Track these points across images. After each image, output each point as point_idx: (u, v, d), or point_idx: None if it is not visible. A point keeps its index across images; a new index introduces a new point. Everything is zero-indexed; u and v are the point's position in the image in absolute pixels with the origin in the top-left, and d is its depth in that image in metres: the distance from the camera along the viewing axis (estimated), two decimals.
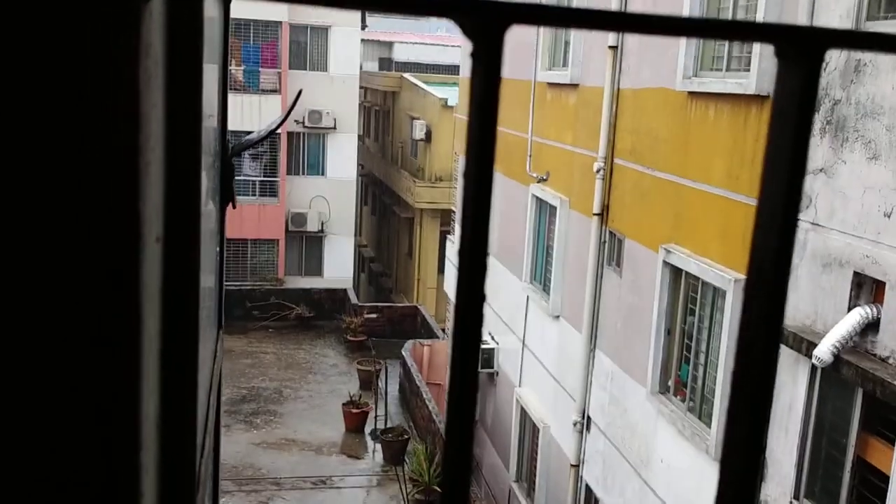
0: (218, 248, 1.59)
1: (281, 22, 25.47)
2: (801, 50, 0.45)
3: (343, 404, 17.89)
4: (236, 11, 26.15)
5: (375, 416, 17.55)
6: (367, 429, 17.67)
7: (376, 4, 0.41)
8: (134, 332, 0.51)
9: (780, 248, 0.47)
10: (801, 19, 6.93)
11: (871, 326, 6.15)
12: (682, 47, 8.79)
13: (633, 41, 10.20)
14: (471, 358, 0.43)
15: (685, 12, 8.73)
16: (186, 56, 0.66)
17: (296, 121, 25.87)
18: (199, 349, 0.93)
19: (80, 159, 0.48)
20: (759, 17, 7.48)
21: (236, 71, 24.97)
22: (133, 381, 0.52)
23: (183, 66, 0.65)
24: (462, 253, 0.40)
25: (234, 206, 1.71)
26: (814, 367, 6.62)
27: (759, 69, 7.48)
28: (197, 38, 0.80)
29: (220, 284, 1.74)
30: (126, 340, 0.51)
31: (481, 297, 0.41)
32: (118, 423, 0.53)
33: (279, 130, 25.31)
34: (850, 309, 6.30)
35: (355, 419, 17.64)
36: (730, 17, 8.26)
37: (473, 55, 0.40)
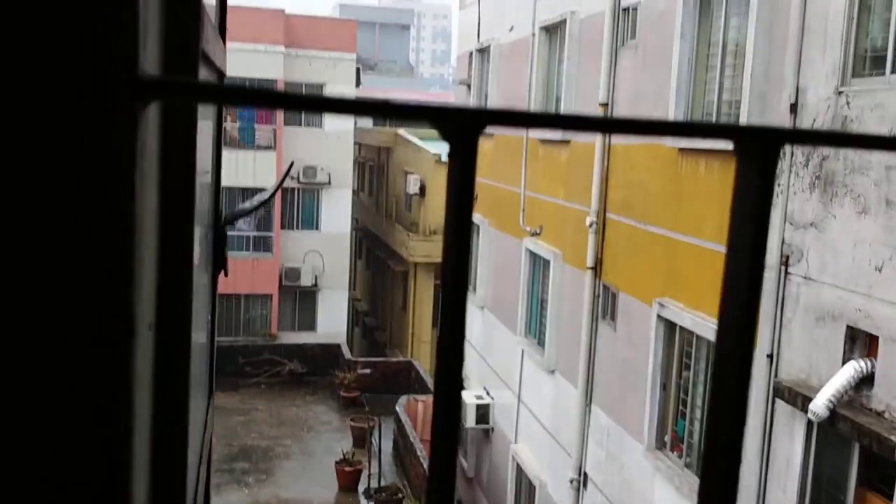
0: (209, 317, 1.60)
1: (276, 80, 25.81)
2: (758, 147, 0.47)
3: (336, 462, 17.64)
4: (232, 70, 26.58)
5: (369, 474, 17.29)
6: (361, 487, 17.40)
7: (360, 110, 0.44)
8: (124, 420, 0.52)
9: (740, 343, 0.48)
10: (788, 77, 7.06)
11: (866, 380, 6.13)
12: (672, 103, 8.93)
13: (623, 98, 10.36)
14: (452, 424, 0.44)
15: (672, 84, 8.88)
16: (180, 158, 0.69)
17: (290, 176, 26.03)
18: (189, 424, 0.92)
19: (74, 255, 0.50)
20: (747, 76, 7.62)
21: (231, 128, 25.20)
22: (122, 463, 0.53)
23: (176, 167, 0.67)
24: (440, 349, 0.41)
25: (226, 275, 1.72)
26: (810, 422, 6.58)
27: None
28: (190, 143, 0.82)
29: (211, 352, 1.74)
30: (115, 426, 0.52)
31: (458, 400, 0.43)
32: (104, 499, 0.53)
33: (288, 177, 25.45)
34: (844, 363, 6.29)
35: (348, 477, 17.38)
36: (717, 75, 8.41)
37: (450, 155, 0.43)
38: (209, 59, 1.21)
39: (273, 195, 2.79)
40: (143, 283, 0.57)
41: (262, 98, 0.45)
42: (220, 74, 1.65)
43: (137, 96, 0.50)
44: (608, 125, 0.49)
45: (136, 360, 0.52)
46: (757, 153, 0.48)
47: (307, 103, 0.45)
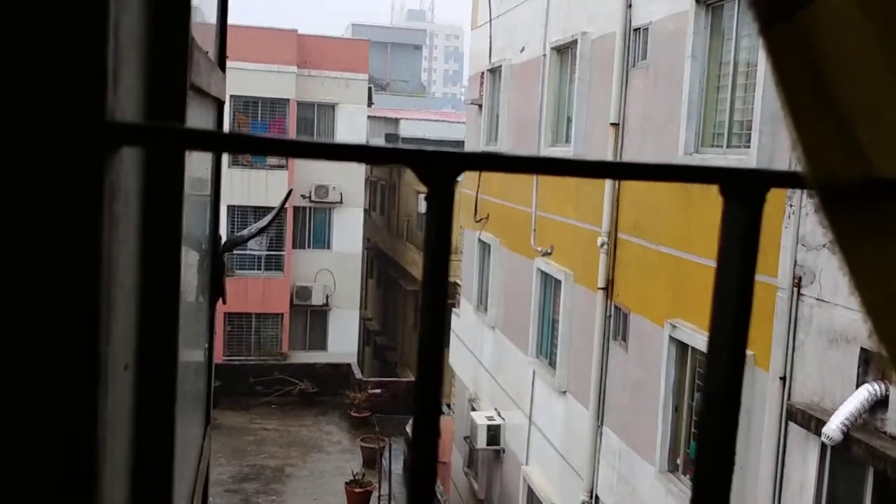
0: (207, 344, 1.59)
1: (289, 99, 25.97)
2: (744, 190, 0.48)
3: (346, 483, 17.57)
4: (246, 90, 26.33)
5: (379, 496, 17.22)
6: None
7: (337, 155, 0.43)
8: (91, 466, 0.51)
9: (732, 365, 0.50)
10: None
11: (881, 404, 6.06)
12: (683, 123, 8.91)
13: (634, 118, 10.35)
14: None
15: (683, 104, 8.88)
16: (164, 200, 0.68)
17: (302, 195, 26.14)
18: (182, 452, 0.91)
19: (39, 303, 0.49)
20: (759, 97, 7.60)
21: None
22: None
23: (162, 208, 0.66)
24: (418, 395, 0.40)
25: (224, 302, 1.72)
26: (823, 446, 6.50)
27: (759, 145, 7.56)
28: (177, 188, 0.81)
29: (208, 378, 1.73)
30: (82, 475, 0.50)
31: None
32: None
33: (285, 206, 25.54)
34: (858, 385, 6.22)
35: (358, 498, 17.30)
36: (728, 95, 8.39)
37: (427, 198, 0.42)
38: (202, 91, 1.20)
39: (271, 223, 2.81)
40: (118, 325, 0.55)
41: (235, 143, 0.45)
42: (219, 104, 1.65)
43: (105, 142, 0.48)
44: (589, 169, 0.48)
45: (104, 403, 0.51)
46: (743, 197, 0.48)
47: (281, 147, 0.44)
